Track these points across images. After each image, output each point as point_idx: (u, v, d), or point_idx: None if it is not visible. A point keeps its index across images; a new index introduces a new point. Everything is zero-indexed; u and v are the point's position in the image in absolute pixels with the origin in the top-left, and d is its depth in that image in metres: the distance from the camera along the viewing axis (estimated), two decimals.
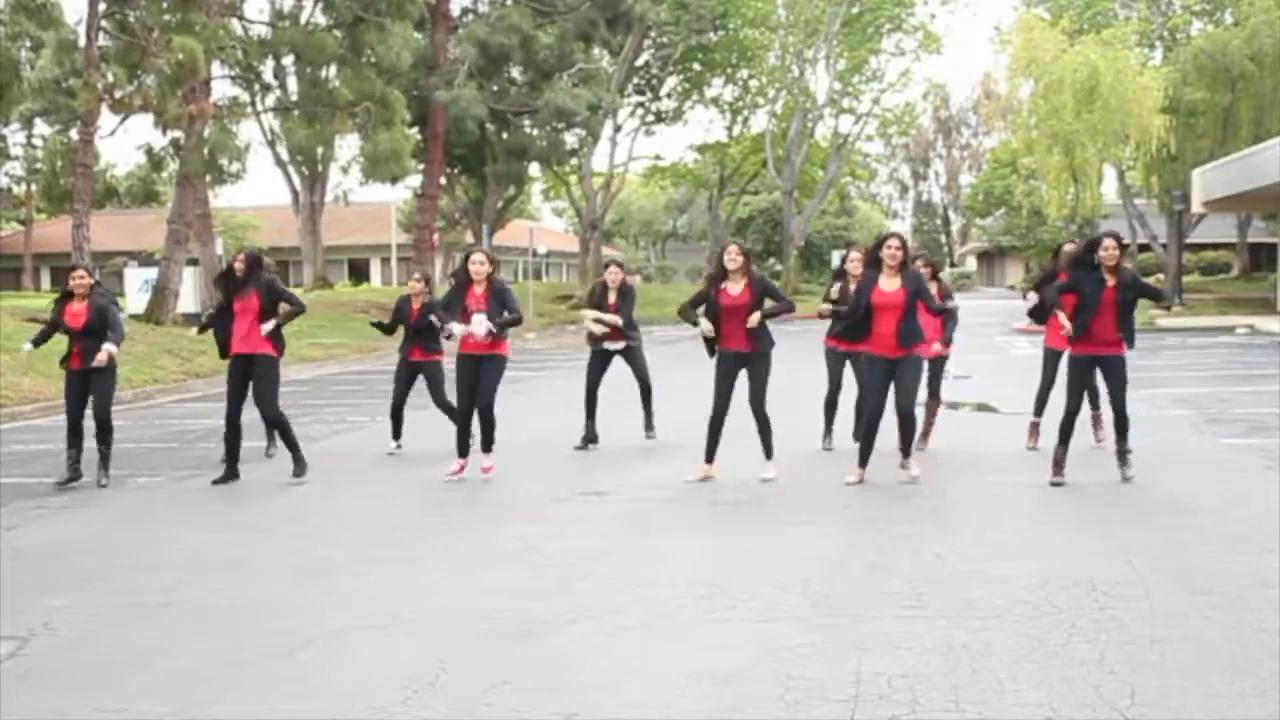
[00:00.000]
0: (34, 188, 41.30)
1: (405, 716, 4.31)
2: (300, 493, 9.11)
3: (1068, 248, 9.84)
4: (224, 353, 9.50)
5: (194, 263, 30.44)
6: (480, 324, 9.03)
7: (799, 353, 15.57)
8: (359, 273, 56.69)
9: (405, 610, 5.66)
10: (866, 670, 4.65)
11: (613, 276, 10.94)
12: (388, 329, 11.22)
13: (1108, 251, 8.35)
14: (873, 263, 8.78)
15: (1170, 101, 34.25)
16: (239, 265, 9.45)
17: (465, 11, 38.21)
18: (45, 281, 55.11)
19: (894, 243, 8.71)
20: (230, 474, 9.41)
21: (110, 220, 50.71)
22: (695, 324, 8.97)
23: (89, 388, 9.46)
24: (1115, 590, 5.69)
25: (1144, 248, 39.64)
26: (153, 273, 29.12)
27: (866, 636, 5.08)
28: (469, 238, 49.61)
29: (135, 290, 30.49)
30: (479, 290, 9.18)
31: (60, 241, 39.22)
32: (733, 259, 8.84)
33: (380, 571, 6.46)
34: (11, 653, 5.15)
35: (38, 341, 9.80)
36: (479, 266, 9.20)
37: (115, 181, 34.15)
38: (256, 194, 59.38)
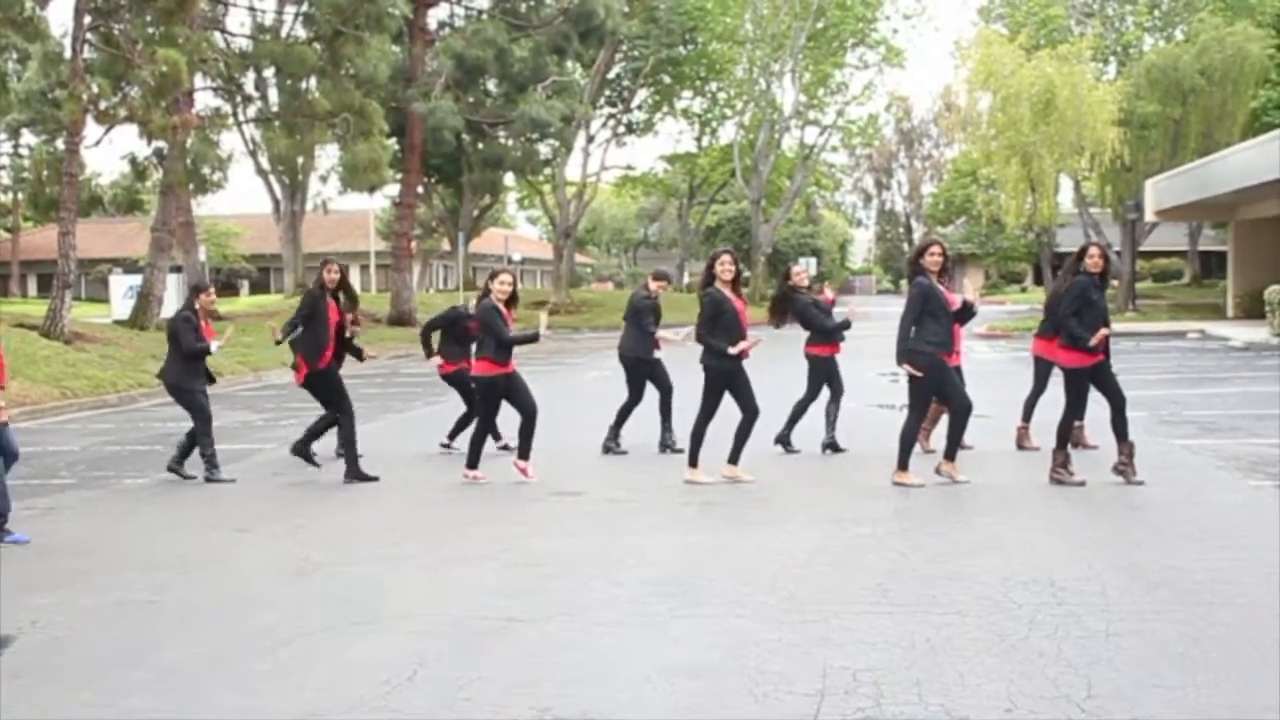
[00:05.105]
0: (21, 196, 41.16)
1: (385, 711, 4.38)
2: (281, 494, 9.23)
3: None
4: None
5: (177, 270, 30.50)
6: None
7: (778, 359, 15.65)
8: None
9: (384, 608, 5.74)
10: (833, 664, 4.74)
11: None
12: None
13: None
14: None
15: (1124, 114, 34.80)
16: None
17: (442, 25, 38.38)
18: (32, 288, 54.96)
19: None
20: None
21: (95, 228, 50.69)
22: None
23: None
24: (1073, 586, 5.82)
25: None
26: (137, 279, 29.15)
27: (833, 632, 5.17)
28: (446, 245, 49.78)
29: (120, 297, 30.54)
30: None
31: (47, 249, 39.10)
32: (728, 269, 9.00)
33: (359, 571, 6.54)
34: None
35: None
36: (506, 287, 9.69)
37: (100, 190, 34.13)
38: (238, 202, 59.19)
